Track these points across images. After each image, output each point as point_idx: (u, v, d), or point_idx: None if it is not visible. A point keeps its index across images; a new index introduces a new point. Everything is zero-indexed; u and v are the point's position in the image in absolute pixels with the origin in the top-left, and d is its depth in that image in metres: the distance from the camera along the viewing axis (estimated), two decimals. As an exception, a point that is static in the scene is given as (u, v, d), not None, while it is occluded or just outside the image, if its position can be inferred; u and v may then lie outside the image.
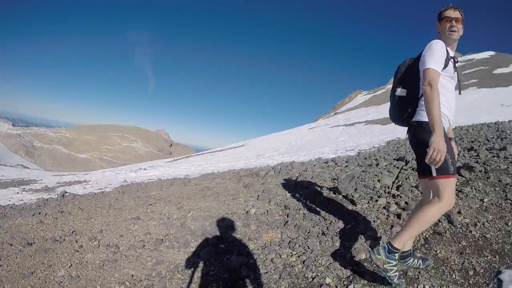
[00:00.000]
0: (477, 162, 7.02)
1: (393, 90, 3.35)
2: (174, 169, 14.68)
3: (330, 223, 4.67)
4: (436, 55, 3.02)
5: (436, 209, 3.04)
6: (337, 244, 4.17)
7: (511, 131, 11.88)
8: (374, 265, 3.43)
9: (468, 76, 54.75)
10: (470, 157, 7.68)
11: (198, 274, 3.85)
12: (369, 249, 3.61)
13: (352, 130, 25.09)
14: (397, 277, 3.23)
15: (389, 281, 3.21)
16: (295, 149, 18.62)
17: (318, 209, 5.15)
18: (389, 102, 3.52)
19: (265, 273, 3.74)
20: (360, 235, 4.31)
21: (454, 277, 3.52)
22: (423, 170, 3.09)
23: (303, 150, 17.18)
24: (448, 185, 3.02)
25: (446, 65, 3.07)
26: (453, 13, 3.18)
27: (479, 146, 8.92)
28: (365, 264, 3.77)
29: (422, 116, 3.10)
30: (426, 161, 2.86)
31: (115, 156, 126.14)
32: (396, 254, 3.22)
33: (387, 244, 3.26)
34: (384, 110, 40.23)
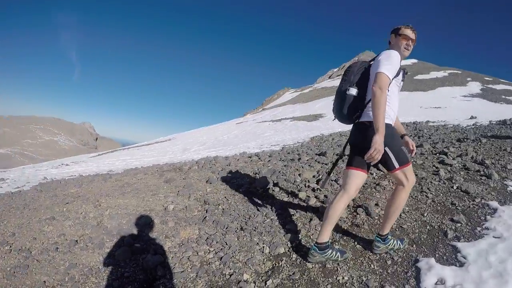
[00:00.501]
0: None
1: (344, 89, 3.41)
2: (98, 165, 14.04)
3: (249, 218, 4.62)
4: (392, 64, 3.22)
5: (406, 193, 3.45)
6: (256, 239, 4.12)
7: (427, 130, 12.85)
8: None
9: None
10: None
11: (112, 276, 3.61)
12: (375, 244, 3.79)
13: (279, 126, 25.42)
14: (402, 241, 3.89)
15: (400, 248, 3.82)
16: (222, 144, 18.54)
17: (237, 204, 5.10)
18: (335, 100, 3.57)
19: (182, 272, 3.60)
20: (279, 229, 4.32)
21: (373, 267, 3.60)
22: (390, 165, 3.33)
23: (229, 145, 17.15)
24: (409, 170, 3.40)
25: (397, 75, 3.35)
26: (411, 34, 3.48)
27: None
28: (284, 258, 3.76)
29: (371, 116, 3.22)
30: (365, 158, 3.11)
31: (37, 151, 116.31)
32: (389, 236, 3.76)
33: (378, 237, 3.73)
34: (310, 107, 41.28)
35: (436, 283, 3.34)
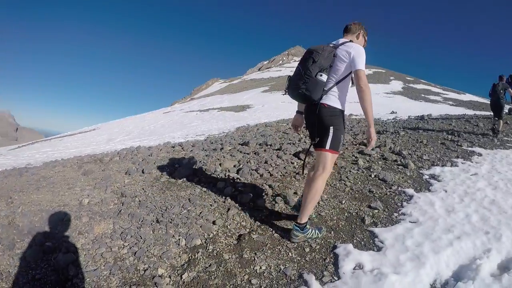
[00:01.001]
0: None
1: (315, 73, 3.41)
2: (16, 158, 13.03)
3: (166, 210, 4.42)
4: (364, 60, 3.50)
5: (322, 179, 3.59)
6: (171, 231, 3.92)
7: (349, 122, 13.66)
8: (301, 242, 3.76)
9: None
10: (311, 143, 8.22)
11: (23, 279, 3.28)
12: (291, 236, 3.76)
13: (206, 116, 25.22)
14: (320, 230, 3.88)
15: (316, 238, 3.80)
16: (148, 134, 18.04)
17: (155, 195, 4.88)
18: (295, 79, 3.57)
19: (95, 270, 3.34)
20: (195, 220, 4.18)
21: (291, 255, 3.56)
22: (323, 143, 3.56)
23: (155, 135, 16.73)
24: (333, 159, 3.64)
25: None
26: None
27: None
28: (200, 250, 3.62)
29: (332, 101, 3.55)
30: (369, 149, 3.74)
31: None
32: (307, 226, 3.73)
33: (297, 225, 3.68)
34: (238, 98, 41.45)
35: (354, 268, 3.37)
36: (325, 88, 3.52)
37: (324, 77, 3.43)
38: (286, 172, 5.93)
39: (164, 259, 3.49)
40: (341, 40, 3.70)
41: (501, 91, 12.14)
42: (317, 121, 3.57)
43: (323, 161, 3.59)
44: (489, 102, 12.94)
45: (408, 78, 59.62)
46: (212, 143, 9.20)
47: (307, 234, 3.75)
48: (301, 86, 3.46)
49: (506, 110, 12.71)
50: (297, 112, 4.14)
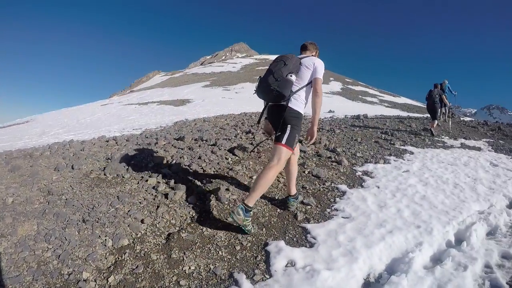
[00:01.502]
0: (251, 143, 7.57)
1: (286, 74, 3.85)
2: None
3: (93, 208, 4.18)
4: (323, 71, 4.13)
5: (275, 170, 3.89)
6: (98, 231, 3.69)
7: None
8: (236, 224, 3.81)
9: (260, 72, 61.92)
10: (247, 139, 8.35)
11: None
12: (231, 211, 3.86)
13: (145, 109, 24.70)
14: (251, 227, 3.96)
15: (247, 232, 3.88)
16: (84, 127, 17.35)
17: (82, 193, 4.62)
18: (266, 79, 3.93)
19: (17, 276, 3.10)
20: (123, 219, 3.99)
21: (221, 254, 3.49)
22: (280, 138, 3.97)
23: (91, 128, 16.14)
24: (287, 154, 4.00)
25: None
26: None
27: (256, 130, 9.80)
28: (128, 250, 3.47)
29: (295, 104, 4.02)
30: (308, 143, 4.28)
31: None
32: (251, 212, 3.86)
33: (243, 205, 3.79)
34: (178, 92, 40.95)
35: (286, 265, 3.35)
36: (292, 90, 3.99)
37: (293, 77, 3.92)
38: (220, 168, 5.85)
39: (90, 261, 3.28)
40: (304, 55, 4.34)
41: (436, 96, 13.87)
42: (279, 121, 4.02)
43: (278, 154, 3.95)
44: (422, 105, 14.68)
45: (347, 80, 61.78)
46: (147, 137, 8.98)
47: (246, 220, 3.85)
48: (273, 85, 3.83)
49: (443, 110, 14.93)
50: (266, 118, 4.54)
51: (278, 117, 4.07)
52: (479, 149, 10.57)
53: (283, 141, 3.96)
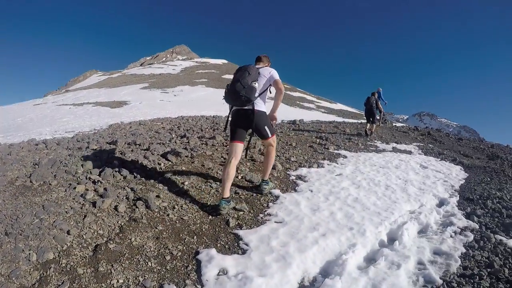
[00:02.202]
0: (185, 148, 7.47)
1: (251, 82, 4.64)
2: None
3: (16, 219, 3.86)
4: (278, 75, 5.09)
5: (274, 151, 5.40)
6: (21, 244, 3.43)
7: (224, 123, 13.65)
8: (266, 192, 5.51)
9: (200, 75, 61.34)
10: (181, 143, 8.26)
11: None
12: (262, 187, 5.49)
13: (79, 111, 23.81)
14: (272, 186, 5.75)
15: (270, 191, 5.59)
16: (14, 129, 16.41)
17: (6, 202, 4.25)
18: (234, 87, 4.66)
19: None
20: (48, 230, 3.74)
21: (150, 265, 3.38)
22: (266, 135, 5.00)
23: (22, 130, 15.31)
24: (275, 137, 5.24)
25: None
26: None
27: (191, 134, 9.78)
28: (53, 265, 3.25)
29: (259, 106, 4.86)
30: (272, 124, 5.21)
31: None
32: (269, 181, 5.67)
33: (263, 181, 5.56)
34: (116, 93, 39.93)
35: (218, 274, 3.31)
36: (255, 95, 4.71)
37: (256, 85, 4.70)
38: (151, 174, 5.73)
39: (13, 278, 3.05)
40: (260, 65, 5.20)
41: (373, 102, 15.18)
42: (252, 122, 4.80)
43: (271, 142, 5.18)
44: (357, 112, 15.60)
45: (286, 86, 62.89)
46: (78, 141, 8.62)
47: (270, 186, 5.62)
48: (241, 92, 4.58)
49: (377, 117, 15.58)
50: (231, 123, 5.22)
51: (247, 119, 4.82)
52: (410, 152, 11.10)
53: (269, 134, 5.01)
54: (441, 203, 5.86)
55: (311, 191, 5.78)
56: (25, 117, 22.08)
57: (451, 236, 4.48)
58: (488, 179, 7.77)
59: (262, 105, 4.93)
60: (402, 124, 26.27)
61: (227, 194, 4.72)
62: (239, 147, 4.88)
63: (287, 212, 4.82)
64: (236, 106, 4.88)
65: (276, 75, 4.98)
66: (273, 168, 6.73)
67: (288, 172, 6.73)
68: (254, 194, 5.38)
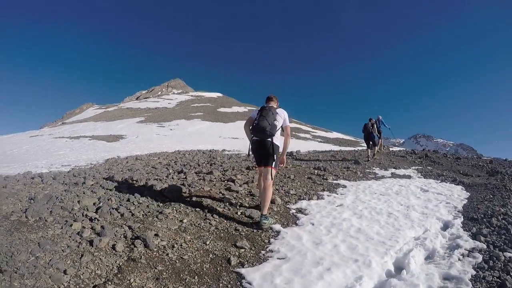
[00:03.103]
0: (183, 184, 7.49)
1: (273, 120, 5.60)
2: None
3: (11, 256, 3.65)
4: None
5: (271, 184, 5.69)
6: (16, 283, 3.26)
7: (220, 158, 13.84)
8: (268, 227, 5.49)
9: (195, 109, 61.94)
10: (179, 179, 8.25)
11: None
12: (261, 226, 5.45)
13: (76, 144, 23.76)
14: (273, 220, 5.83)
15: (270, 226, 5.56)
16: (9, 160, 16.25)
17: (1, 238, 4.14)
18: (262, 123, 5.56)
19: None
20: (44, 269, 3.59)
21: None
22: (270, 163, 5.63)
23: (17, 162, 15.19)
24: (274, 172, 5.73)
25: None
26: None
27: (188, 170, 9.82)
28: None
29: (276, 141, 5.66)
30: (281, 164, 6.05)
31: None
32: (268, 216, 5.71)
33: (263, 216, 5.55)
34: (112, 127, 40.02)
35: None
36: (276, 131, 5.63)
37: (277, 123, 5.64)
38: (149, 211, 5.62)
39: None
40: (271, 104, 6.06)
41: (370, 127, 16.00)
42: (267, 152, 5.65)
43: (271, 174, 5.63)
44: (353, 139, 16.06)
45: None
46: (75, 176, 8.51)
47: (270, 222, 5.61)
48: (266, 128, 5.53)
49: (377, 140, 16.40)
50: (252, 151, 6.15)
51: (265, 148, 5.66)
52: (409, 177, 11.05)
53: (273, 165, 5.64)
54: (446, 226, 5.81)
55: (313, 224, 5.70)
56: (21, 148, 21.96)
57: (459, 259, 4.40)
58: (491, 196, 7.77)
59: (279, 141, 5.78)
60: (399, 148, 26.33)
61: (265, 211, 5.62)
62: (268, 169, 5.69)
63: (289, 247, 4.71)
64: (259, 138, 5.72)
65: (287, 121, 5.90)
66: (273, 202, 6.67)
67: (288, 206, 6.66)
68: (255, 230, 5.29)
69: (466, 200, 7.46)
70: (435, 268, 4.21)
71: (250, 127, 5.81)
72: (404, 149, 24.35)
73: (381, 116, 18.89)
